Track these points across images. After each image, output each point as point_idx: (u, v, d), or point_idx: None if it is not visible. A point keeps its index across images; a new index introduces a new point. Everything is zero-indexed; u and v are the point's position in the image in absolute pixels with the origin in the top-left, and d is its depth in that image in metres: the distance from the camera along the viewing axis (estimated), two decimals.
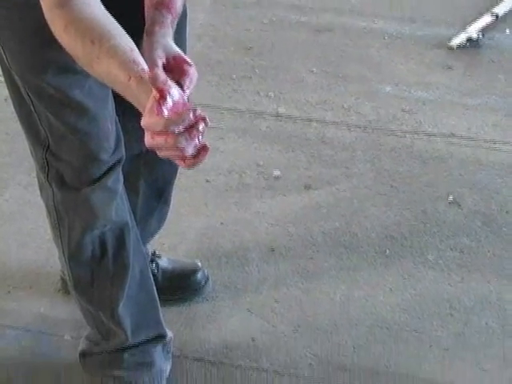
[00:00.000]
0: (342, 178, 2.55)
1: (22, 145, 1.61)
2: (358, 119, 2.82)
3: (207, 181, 2.51)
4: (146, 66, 1.21)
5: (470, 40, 3.24)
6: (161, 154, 1.14)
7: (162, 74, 1.14)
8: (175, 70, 1.23)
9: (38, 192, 1.70)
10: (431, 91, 2.98)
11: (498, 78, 3.06)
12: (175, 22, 1.35)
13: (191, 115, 1.11)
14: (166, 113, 1.12)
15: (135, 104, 1.20)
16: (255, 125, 2.78)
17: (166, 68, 1.23)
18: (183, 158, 1.13)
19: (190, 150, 1.12)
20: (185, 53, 1.68)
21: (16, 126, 1.66)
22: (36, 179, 1.70)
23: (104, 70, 1.23)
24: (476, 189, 2.50)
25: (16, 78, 1.49)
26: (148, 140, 1.13)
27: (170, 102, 1.13)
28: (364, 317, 2.07)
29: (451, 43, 3.24)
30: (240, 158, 2.62)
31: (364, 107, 2.88)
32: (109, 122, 1.55)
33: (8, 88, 1.54)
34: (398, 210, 2.41)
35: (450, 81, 3.05)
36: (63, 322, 2.03)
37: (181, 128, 1.10)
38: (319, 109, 2.87)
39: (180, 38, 1.45)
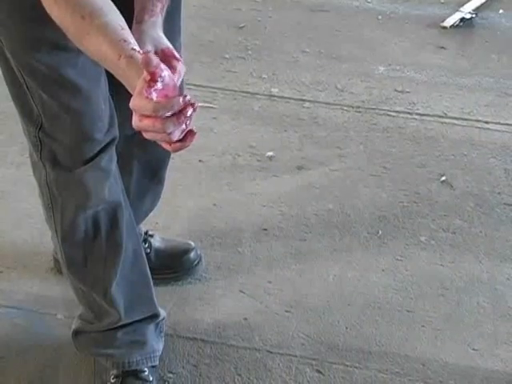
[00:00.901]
0: (335, 158, 2.55)
1: (14, 124, 1.61)
2: (351, 99, 2.81)
3: (200, 161, 2.51)
4: (136, 46, 1.21)
5: (463, 20, 3.24)
6: (147, 135, 1.14)
7: (154, 58, 1.14)
8: (164, 63, 1.23)
9: (31, 171, 1.70)
10: (424, 71, 2.98)
11: (491, 58, 3.06)
12: (165, 9, 1.35)
13: (180, 100, 1.11)
14: (155, 97, 1.12)
15: (124, 83, 1.20)
16: (248, 105, 2.78)
17: None
18: (169, 142, 1.14)
19: (176, 135, 1.13)
20: (178, 37, 1.68)
21: (8, 105, 1.65)
22: (29, 159, 1.69)
23: (94, 46, 1.23)
24: (468, 169, 2.50)
25: (9, 55, 1.48)
26: (135, 122, 1.14)
27: (159, 85, 1.13)
28: (356, 297, 2.08)
29: (445, 23, 3.23)
30: (233, 138, 2.62)
31: (357, 87, 2.88)
32: (102, 101, 1.55)
33: (1, 66, 1.53)
34: (391, 191, 2.41)
35: (444, 61, 3.04)
36: (56, 300, 2.03)
37: (169, 113, 1.10)
38: (312, 89, 2.87)
39: (173, 23, 1.44)
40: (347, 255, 2.20)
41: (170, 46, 1.26)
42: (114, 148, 1.62)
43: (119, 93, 1.54)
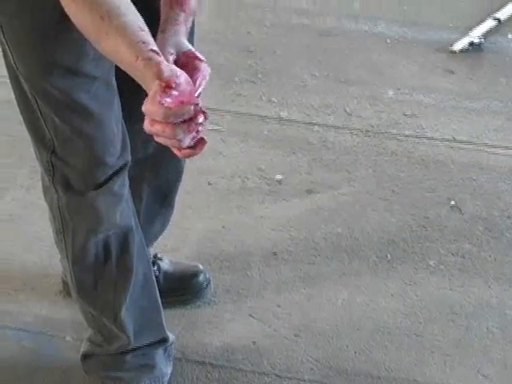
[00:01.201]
0: (344, 182, 2.55)
1: (24, 146, 1.62)
2: (359, 123, 2.82)
3: (209, 184, 2.52)
4: (155, 46, 1.22)
5: (472, 44, 3.24)
6: (158, 139, 1.17)
7: (166, 68, 1.15)
8: (187, 66, 1.24)
9: (41, 194, 1.70)
10: (433, 95, 2.98)
11: (499, 82, 3.06)
12: (190, 20, 1.36)
13: (192, 108, 1.12)
14: (168, 102, 1.13)
15: (142, 84, 1.21)
16: (257, 128, 2.79)
17: (178, 65, 1.24)
18: (179, 148, 1.15)
19: (186, 142, 1.15)
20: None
21: (19, 128, 1.66)
22: (38, 181, 1.70)
23: (112, 47, 1.23)
24: (477, 194, 2.50)
25: (22, 79, 1.49)
26: (147, 125, 1.16)
27: (174, 92, 1.14)
28: (365, 321, 2.07)
29: (453, 47, 3.24)
30: (242, 161, 2.62)
31: (366, 111, 2.89)
32: (114, 125, 1.55)
33: (14, 90, 1.54)
34: (400, 215, 2.41)
35: (452, 85, 3.05)
36: (64, 323, 2.03)
37: (180, 120, 1.12)
38: (321, 113, 2.87)
39: (190, 39, 1.45)
40: (356, 279, 2.20)
41: (193, 49, 1.27)
42: (126, 173, 1.62)
43: (131, 116, 1.55)
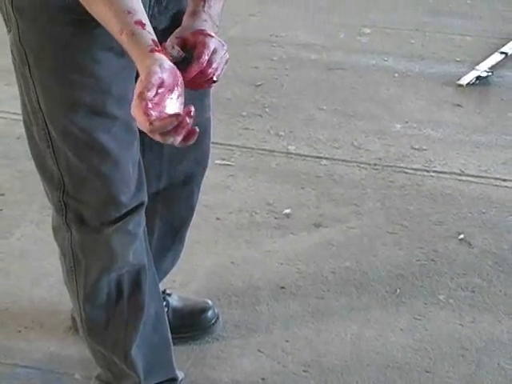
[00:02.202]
0: (352, 216, 2.55)
1: (34, 182, 1.63)
2: (367, 157, 2.83)
3: (218, 219, 2.52)
4: (142, 15, 1.24)
5: (479, 78, 3.26)
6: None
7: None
8: (196, 42, 1.28)
9: (51, 230, 1.70)
10: (441, 129, 2.99)
11: (507, 116, 3.07)
12: (211, 8, 1.39)
13: (175, 120, 1.16)
14: (153, 115, 1.17)
15: (129, 55, 1.24)
16: (265, 162, 2.80)
17: (188, 44, 1.29)
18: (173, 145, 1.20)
19: (178, 140, 1.18)
20: (206, 98, 1.70)
21: (29, 164, 1.67)
22: (48, 217, 1.70)
23: (100, 13, 1.25)
24: (486, 227, 2.49)
25: (41, 116, 1.49)
26: (138, 126, 1.21)
27: (160, 90, 1.19)
28: (375, 357, 2.06)
29: (461, 81, 3.26)
30: (250, 196, 2.63)
31: (374, 145, 2.89)
32: (130, 166, 1.55)
33: (29, 126, 1.54)
34: (409, 249, 2.41)
35: (460, 119, 3.06)
36: (74, 360, 2.02)
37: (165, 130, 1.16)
38: (329, 146, 2.88)
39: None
40: (365, 314, 2.19)
41: (201, 28, 1.31)
42: (142, 212, 1.61)
43: (144, 152, 1.57)
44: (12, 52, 1.47)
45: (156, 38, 1.24)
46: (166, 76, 1.20)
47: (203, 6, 1.38)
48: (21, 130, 1.57)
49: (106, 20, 1.24)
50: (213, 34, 1.30)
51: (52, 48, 1.41)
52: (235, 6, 3.92)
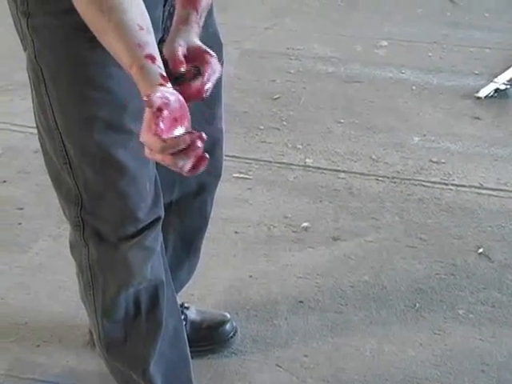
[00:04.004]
0: (371, 229, 2.54)
1: (51, 196, 1.63)
2: (385, 170, 2.82)
3: (236, 232, 2.51)
4: (152, 49, 1.23)
5: (497, 90, 3.25)
6: (161, 163, 1.17)
7: (155, 98, 1.16)
8: (197, 60, 1.27)
9: (68, 243, 1.70)
10: (459, 142, 2.98)
11: None
12: (202, 20, 1.38)
13: (188, 139, 1.13)
14: (162, 126, 1.15)
15: (139, 89, 1.23)
16: (283, 176, 2.79)
17: (188, 57, 1.27)
18: (181, 171, 1.16)
19: (187, 166, 1.16)
20: (219, 108, 1.70)
21: (46, 178, 1.66)
22: (65, 231, 1.69)
23: (110, 44, 1.25)
24: (506, 241, 2.48)
25: (56, 133, 1.48)
26: (147, 153, 1.17)
27: (166, 113, 1.16)
28: (394, 372, 2.04)
29: (479, 94, 3.24)
30: (268, 209, 2.62)
31: (392, 158, 2.88)
32: (147, 181, 1.55)
33: (45, 142, 1.54)
34: (427, 263, 2.39)
35: (479, 131, 3.04)
36: (92, 375, 2.02)
37: (178, 150, 1.13)
38: (347, 160, 2.87)
39: (214, 94, 1.47)
40: (384, 328, 2.18)
41: (203, 46, 1.30)
42: (159, 227, 1.61)
43: (156, 164, 1.56)
44: (27, 70, 1.47)
45: (165, 73, 1.24)
46: (172, 101, 1.20)
47: (196, 17, 1.37)
48: (38, 143, 1.57)
49: (116, 51, 1.24)
50: (213, 53, 1.30)
51: (67, 65, 1.42)
52: (251, 20, 3.94)
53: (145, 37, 1.23)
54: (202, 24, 1.38)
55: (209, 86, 1.28)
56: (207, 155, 1.16)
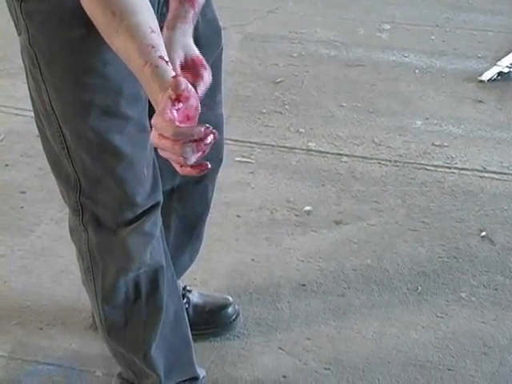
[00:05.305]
0: (373, 213, 2.54)
1: (54, 180, 1.62)
2: (388, 154, 2.81)
3: (238, 216, 2.51)
4: (164, 52, 1.22)
5: (501, 74, 3.23)
6: (162, 154, 1.15)
7: (183, 81, 1.13)
8: (191, 70, 1.25)
9: None
10: (462, 125, 2.97)
11: None
12: (196, 18, 1.36)
13: (202, 130, 1.12)
14: (176, 115, 1.13)
15: (146, 90, 1.21)
16: (286, 160, 2.79)
17: (183, 67, 1.26)
18: (182, 165, 1.14)
19: (192, 160, 1.14)
20: (219, 93, 1.70)
21: (47, 162, 1.66)
22: (67, 215, 1.69)
23: (121, 47, 1.23)
24: (509, 224, 2.47)
25: (53, 118, 1.48)
26: (154, 139, 1.15)
27: (181, 105, 1.14)
28: (396, 354, 2.05)
29: (482, 77, 3.23)
30: (271, 193, 2.62)
31: (394, 142, 2.88)
32: (145, 166, 1.54)
33: (42, 128, 1.53)
34: (430, 246, 2.39)
35: (481, 115, 3.04)
36: (95, 358, 2.02)
37: (189, 139, 1.12)
38: (350, 143, 2.87)
39: (214, 78, 1.47)
40: (386, 311, 2.18)
41: (200, 55, 1.28)
42: (158, 212, 1.61)
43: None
44: (22, 54, 1.46)
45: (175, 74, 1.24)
46: (193, 97, 1.18)
47: (194, 16, 1.36)
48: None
49: (126, 53, 1.22)
50: (207, 66, 1.29)
51: (62, 50, 1.41)
52: (253, 3, 3.92)
53: (157, 39, 1.23)
54: (195, 22, 1.37)
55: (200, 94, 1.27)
56: (210, 165, 1.15)
